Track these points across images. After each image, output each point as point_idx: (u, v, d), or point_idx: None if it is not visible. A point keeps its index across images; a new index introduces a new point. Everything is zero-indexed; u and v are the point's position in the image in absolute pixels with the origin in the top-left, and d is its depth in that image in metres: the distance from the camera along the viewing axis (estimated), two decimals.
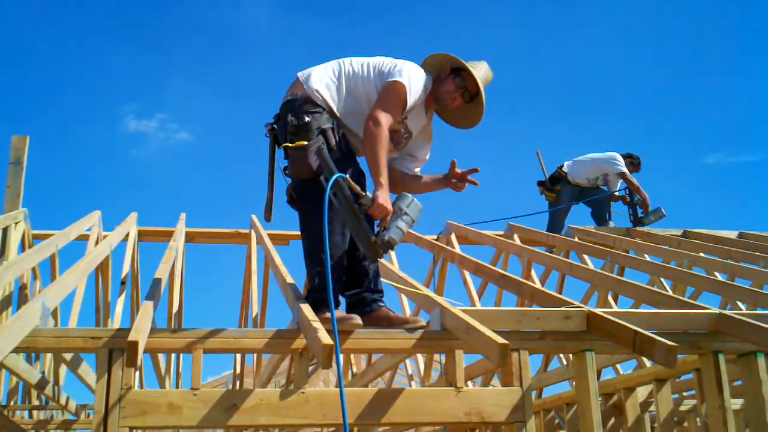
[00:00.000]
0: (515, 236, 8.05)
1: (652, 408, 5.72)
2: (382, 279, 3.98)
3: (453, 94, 3.93)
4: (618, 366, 6.42)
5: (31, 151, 6.35)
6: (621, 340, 3.43)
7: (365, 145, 3.68)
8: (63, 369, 6.73)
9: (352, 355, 7.75)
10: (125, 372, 3.17)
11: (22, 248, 6.37)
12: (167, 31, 29.73)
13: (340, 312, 3.60)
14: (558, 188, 9.26)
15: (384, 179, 3.56)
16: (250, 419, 3.19)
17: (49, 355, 6.93)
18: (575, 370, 3.71)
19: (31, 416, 8.85)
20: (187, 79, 31.05)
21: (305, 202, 3.72)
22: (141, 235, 7.38)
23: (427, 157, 4.17)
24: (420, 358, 7.41)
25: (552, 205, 9.30)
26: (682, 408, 6.66)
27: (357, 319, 3.50)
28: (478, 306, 6.31)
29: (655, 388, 5.33)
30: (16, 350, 3.19)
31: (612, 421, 5.98)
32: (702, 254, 6.93)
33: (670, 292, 5.75)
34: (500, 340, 3.03)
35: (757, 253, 6.65)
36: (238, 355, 7.97)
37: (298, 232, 3.83)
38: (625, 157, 9.25)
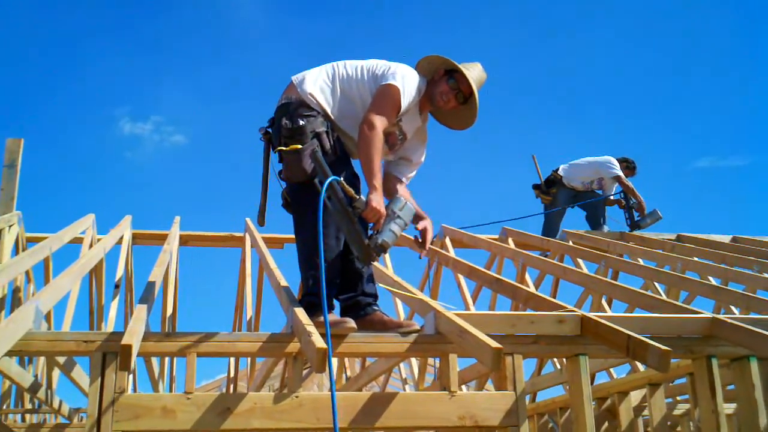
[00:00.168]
0: (510, 240, 8.06)
1: (646, 412, 5.73)
2: (377, 283, 3.98)
3: (447, 95, 3.94)
4: (612, 370, 6.43)
5: (25, 154, 6.34)
6: (615, 345, 3.43)
7: (359, 148, 3.68)
8: (56, 372, 6.71)
9: (346, 359, 7.75)
10: (119, 375, 3.17)
11: (15, 251, 6.35)
12: (162, 34, 29.72)
13: (335, 316, 3.60)
14: (553, 191, 9.28)
15: (378, 182, 3.57)
16: (243, 423, 3.19)
17: (42, 359, 6.90)
18: (569, 374, 3.72)
19: (23, 420, 8.80)
20: (182, 81, 31.04)
21: (300, 206, 3.72)
22: (135, 238, 7.37)
23: (422, 159, 4.18)
24: (414, 362, 7.40)
25: (547, 208, 9.31)
26: (676, 412, 6.67)
27: (351, 323, 3.50)
28: (473, 310, 6.32)
29: (649, 392, 5.35)
30: (9, 353, 3.18)
31: (605, 425, 5.99)
32: (695, 258, 6.95)
33: (664, 297, 5.76)
34: (494, 344, 3.03)
35: (751, 258, 6.67)
36: (232, 359, 7.96)
37: (293, 236, 3.83)
38: (621, 161, 9.28)
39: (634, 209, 9.04)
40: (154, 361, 6.81)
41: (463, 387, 5.28)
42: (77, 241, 6.41)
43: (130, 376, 3.42)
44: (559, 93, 27.97)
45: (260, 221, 3.85)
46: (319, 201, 3.29)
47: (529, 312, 3.92)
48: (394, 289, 4.33)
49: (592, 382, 5.44)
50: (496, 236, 8.33)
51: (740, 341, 3.69)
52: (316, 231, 3.27)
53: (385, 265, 6.91)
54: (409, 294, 4.14)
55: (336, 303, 3.80)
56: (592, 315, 3.71)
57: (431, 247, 7.14)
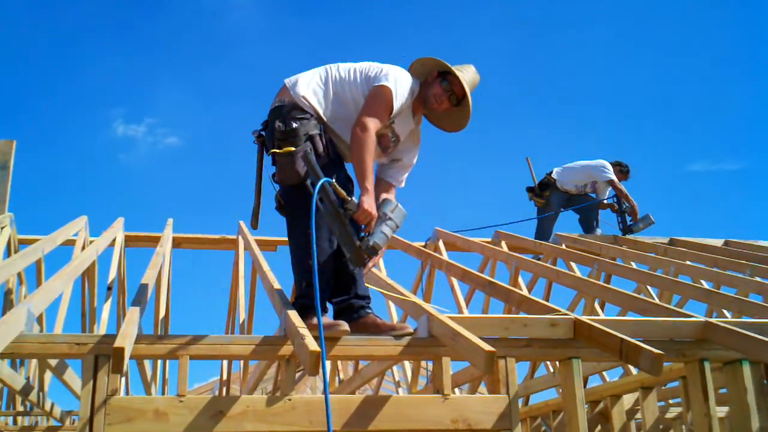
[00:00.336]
0: (503, 243, 8.07)
1: (638, 415, 5.75)
2: (369, 286, 3.98)
3: (440, 97, 3.95)
4: (604, 373, 6.44)
5: (17, 155, 6.32)
6: (607, 348, 3.44)
7: (352, 150, 3.69)
8: (48, 375, 6.68)
9: (339, 362, 7.74)
10: (111, 378, 3.16)
11: (7, 253, 6.33)
12: (156, 35, 29.63)
13: (328, 318, 3.60)
14: (547, 194, 9.30)
15: (370, 184, 3.58)
16: (236, 426, 3.18)
17: (34, 361, 6.88)
18: (562, 377, 3.73)
19: (15, 422, 8.77)
20: (177, 83, 30.95)
21: (293, 209, 3.72)
22: (128, 240, 7.35)
23: (414, 161, 4.18)
24: (407, 365, 7.41)
25: (541, 211, 9.33)
26: (668, 415, 6.69)
27: (344, 326, 3.50)
28: (466, 313, 6.33)
29: (641, 395, 5.36)
30: (1, 356, 3.17)
31: (598, 428, 6.01)
32: (688, 262, 6.97)
33: (657, 300, 5.78)
34: (487, 347, 3.04)
35: (743, 262, 6.69)
36: (225, 362, 7.94)
37: (286, 238, 3.83)
38: (614, 165, 9.30)
39: (626, 213, 9.06)
40: (147, 363, 6.79)
41: (456, 390, 5.29)
42: (70, 243, 6.39)
43: (123, 379, 3.42)
44: (553, 96, 28.00)
45: (253, 224, 3.84)
46: (312, 202, 3.30)
47: (522, 315, 3.93)
48: (388, 292, 4.33)
49: (584, 386, 5.45)
50: (490, 239, 8.34)
51: (732, 345, 3.70)
52: (309, 234, 3.28)
53: (379, 268, 6.91)
54: (402, 297, 4.14)
55: (329, 306, 3.80)
56: (585, 318, 3.72)
57: (425, 250, 7.18)
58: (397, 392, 7.91)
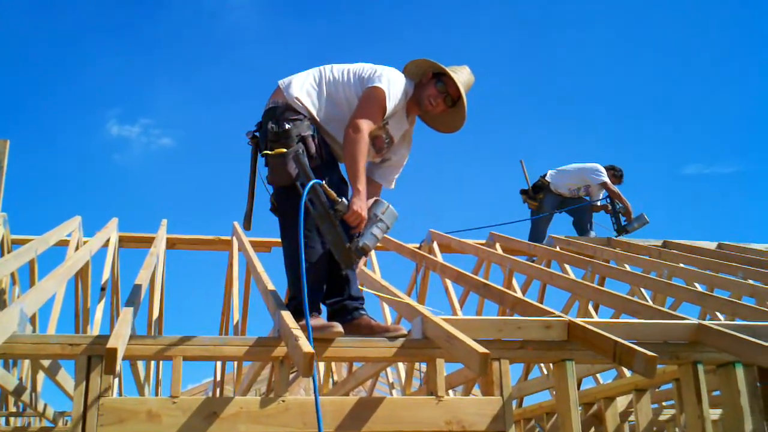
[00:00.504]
0: (497, 245, 8.07)
1: (632, 418, 5.75)
2: (364, 288, 3.98)
3: (435, 99, 3.95)
4: (598, 375, 6.45)
5: (11, 155, 6.31)
6: (601, 350, 3.44)
7: (344, 151, 3.70)
8: (41, 376, 6.66)
9: (333, 364, 7.73)
10: (104, 379, 3.15)
11: (1, 253, 6.31)
12: (151, 36, 29.59)
13: (321, 320, 3.60)
14: (540, 197, 9.31)
15: (362, 186, 3.58)
16: (229, 427, 3.17)
17: (26, 362, 6.85)
18: (556, 379, 3.73)
19: (8, 423, 8.73)
20: (171, 84, 30.91)
21: (285, 210, 3.72)
22: (121, 241, 7.33)
23: (404, 161, 4.19)
24: (401, 366, 7.40)
25: (534, 213, 9.35)
26: (662, 418, 6.70)
27: (338, 327, 3.50)
28: (460, 315, 6.32)
29: (635, 397, 5.37)
30: None
31: (592, 430, 6.01)
32: (681, 265, 6.98)
33: (650, 303, 5.78)
34: (481, 349, 3.04)
35: (736, 264, 6.71)
36: (219, 363, 7.92)
37: (280, 240, 3.83)
38: (608, 168, 9.33)
39: (620, 214, 9.08)
40: (140, 364, 6.77)
41: (450, 392, 5.29)
42: (63, 244, 6.37)
43: (116, 380, 3.40)
44: (548, 98, 28.05)
45: (246, 225, 3.84)
46: (301, 203, 3.31)
47: (516, 317, 3.93)
48: (382, 294, 4.33)
49: (578, 388, 5.45)
50: (484, 241, 8.34)
51: (726, 347, 3.71)
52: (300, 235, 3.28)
53: (373, 270, 6.91)
54: (396, 298, 4.14)
55: (323, 307, 3.79)
56: (579, 320, 3.72)
57: (419, 251, 7.18)
58: (391, 394, 7.91)
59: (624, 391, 5.60)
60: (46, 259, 5.94)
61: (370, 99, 3.78)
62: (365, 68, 3.92)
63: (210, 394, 10.26)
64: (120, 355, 2.92)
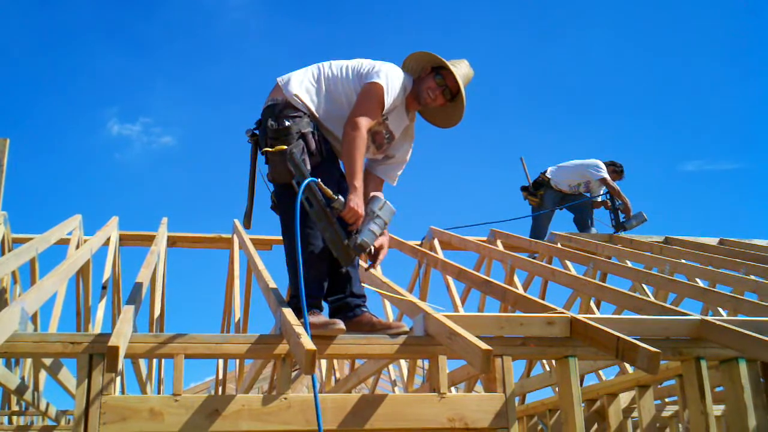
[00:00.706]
0: (498, 242, 8.06)
1: (635, 414, 5.74)
2: (365, 285, 3.97)
3: (434, 92, 3.94)
4: (600, 372, 6.44)
5: (12, 154, 6.30)
6: (604, 346, 3.43)
7: (342, 148, 3.70)
8: (43, 374, 6.66)
9: (335, 361, 7.73)
10: (105, 377, 3.14)
11: (1, 252, 6.31)
12: (151, 35, 29.59)
13: (323, 317, 3.59)
14: (541, 193, 9.30)
15: (359, 183, 3.57)
16: (231, 425, 3.17)
17: (28, 361, 6.86)
18: (558, 375, 3.72)
19: (10, 422, 8.74)
20: (171, 82, 30.93)
21: (285, 207, 3.71)
22: (122, 239, 7.33)
23: (408, 157, 4.18)
24: (403, 363, 7.40)
25: (535, 210, 9.34)
26: (665, 414, 6.69)
27: (340, 324, 3.49)
28: (461, 312, 6.32)
29: (638, 394, 5.36)
30: None
31: (595, 427, 6.01)
32: (683, 261, 6.97)
33: (652, 299, 5.78)
34: (483, 345, 3.03)
35: (738, 260, 6.70)
36: (221, 361, 7.92)
37: (281, 237, 3.82)
38: (608, 165, 9.31)
39: (620, 210, 9.07)
40: (142, 362, 6.77)
41: (453, 389, 5.28)
42: (64, 242, 6.37)
43: (118, 378, 3.40)
44: (547, 95, 28.06)
45: (246, 224, 3.84)
46: (296, 202, 3.31)
47: (518, 314, 3.92)
48: (383, 291, 4.32)
49: (581, 384, 5.45)
50: (485, 238, 8.34)
51: (729, 343, 3.69)
52: (301, 232, 3.28)
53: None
54: (398, 296, 4.13)
55: (325, 304, 3.79)
56: (581, 317, 3.71)
57: (420, 249, 7.17)
58: (393, 391, 7.91)
59: (627, 387, 5.60)
60: (47, 257, 5.95)
61: (368, 95, 3.77)
62: (363, 64, 3.91)
63: (212, 392, 10.27)
64: (121, 353, 2.91)
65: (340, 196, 3.47)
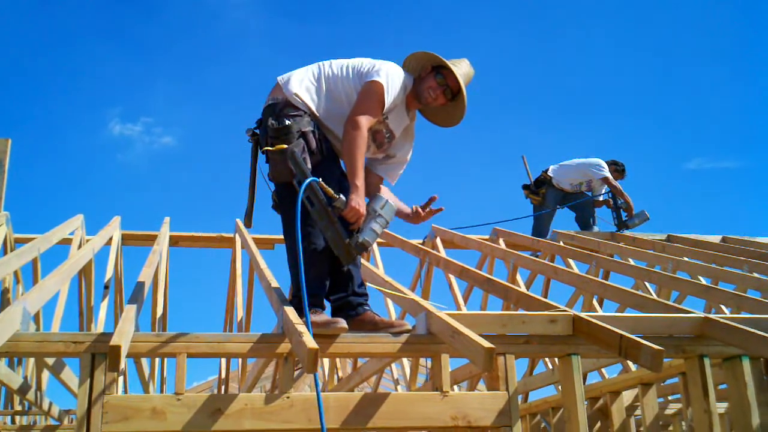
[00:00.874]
0: (500, 240, 8.06)
1: (638, 412, 5.74)
2: (367, 283, 3.97)
3: (435, 91, 3.93)
4: (603, 370, 6.43)
5: (13, 154, 6.31)
6: (607, 344, 3.42)
7: (343, 147, 3.70)
8: (45, 374, 6.66)
9: (337, 360, 7.73)
10: (108, 377, 3.14)
11: (3, 252, 6.31)
12: (152, 35, 29.63)
13: (325, 316, 3.59)
14: (543, 191, 9.29)
15: (360, 182, 3.57)
16: (234, 424, 3.16)
17: (31, 360, 6.86)
18: (561, 374, 3.71)
19: (13, 422, 8.75)
20: (172, 83, 30.98)
21: (286, 206, 3.71)
22: (124, 238, 7.34)
23: (408, 157, 4.17)
24: (406, 362, 7.39)
25: (537, 209, 9.33)
26: (668, 412, 6.68)
27: (342, 323, 3.48)
28: (464, 310, 6.31)
29: (641, 391, 5.35)
30: None
31: (598, 424, 5.99)
32: (686, 258, 6.96)
33: (655, 296, 5.77)
34: (486, 344, 3.02)
35: (741, 258, 6.69)
36: (223, 360, 7.92)
37: (283, 236, 3.82)
38: (610, 164, 9.30)
39: (622, 209, 9.06)
40: (145, 362, 6.77)
41: (455, 387, 5.28)
42: (66, 242, 6.37)
43: (120, 378, 3.39)
44: (550, 94, 28.06)
45: (247, 223, 3.83)
46: (297, 202, 3.31)
47: (520, 312, 3.91)
48: (386, 290, 4.32)
49: (584, 382, 5.44)
50: (487, 236, 8.33)
51: (732, 341, 3.68)
52: (302, 231, 3.28)
53: (376, 265, 6.89)
54: (400, 294, 4.13)
55: (327, 303, 3.78)
56: (583, 315, 3.70)
57: (422, 247, 7.16)
58: (396, 390, 7.90)
59: (630, 385, 5.59)
60: (49, 257, 5.96)
61: (369, 94, 3.76)
62: (364, 63, 3.90)
63: (215, 392, 10.27)
64: (124, 352, 2.90)
65: (342, 196, 3.47)
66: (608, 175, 9.11)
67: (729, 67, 27.83)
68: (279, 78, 3.88)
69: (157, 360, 7.45)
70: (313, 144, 3.68)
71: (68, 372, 5.50)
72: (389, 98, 3.78)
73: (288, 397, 3.26)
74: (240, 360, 7.11)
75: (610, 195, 9.18)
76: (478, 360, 3.05)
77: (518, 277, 7.11)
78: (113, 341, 2.87)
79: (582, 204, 9.29)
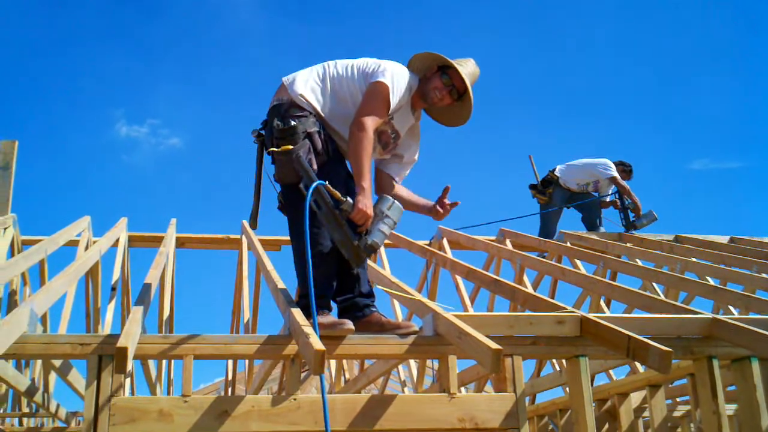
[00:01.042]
0: (507, 241, 8.04)
1: (646, 414, 5.71)
2: (374, 285, 3.96)
3: (441, 91, 3.92)
4: (611, 371, 6.40)
5: (20, 156, 6.32)
6: (614, 346, 3.41)
7: (349, 149, 3.68)
8: (53, 376, 6.68)
9: (344, 361, 7.72)
10: (115, 379, 3.14)
11: (11, 254, 6.32)
12: (158, 37, 29.70)
13: (332, 317, 3.58)
14: (549, 191, 9.27)
15: (366, 183, 3.55)
16: (241, 426, 3.16)
17: (38, 362, 6.87)
18: (569, 375, 3.69)
19: (21, 424, 8.77)
20: (178, 84, 31.04)
21: (293, 208, 3.70)
22: (131, 240, 7.34)
23: (416, 157, 4.16)
24: (413, 363, 7.38)
25: (543, 208, 9.31)
26: (676, 413, 6.66)
27: (349, 324, 3.48)
28: (471, 311, 6.30)
29: (649, 393, 5.33)
30: (5, 356, 3.15)
31: (606, 426, 5.98)
32: (694, 259, 6.93)
33: (663, 297, 5.75)
34: (493, 345, 3.01)
35: (749, 258, 6.66)
36: (230, 362, 7.93)
37: (289, 238, 3.81)
38: (617, 164, 9.27)
39: (629, 210, 9.03)
40: (152, 364, 6.77)
41: (462, 389, 5.27)
42: (73, 244, 6.38)
43: (127, 380, 3.39)
44: (556, 94, 28.02)
45: (252, 224, 3.82)
46: (305, 206, 3.30)
47: (528, 313, 3.90)
48: (392, 291, 4.31)
49: (591, 384, 5.42)
50: (494, 237, 8.32)
51: (741, 342, 3.66)
52: (310, 233, 3.27)
53: (383, 266, 6.89)
54: (407, 295, 4.12)
55: (333, 304, 3.77)
56: (591, 316, 3.68)
57: (429, 248, 7.15)
58: (403, 391, 7.89)
59: (638, 386, 5.56)
60: (56, 259, 5.96)
61: (374, 94, 3.75)
62: (369, 63, 3.89)
63: (222, 393, 10.27)
64: (131, 354, 2.90)
65: (349, 198, 3.45)
66: (616, 174, 9.08)
67: (733, 67, 27.77)
68: (284, 79, 3.87)
69: (163, 362, 7.45)
70: (319, 145, 3.67)
71: (75, 374, 5.50)
72: (394, 99, 3.77)
73: (295, 399, 3.25)
74: (247, 362, 7.12)
75: (617, 195, 9.15)
76: (485, 361, 3.04)
77: (525, 278, 7.09)
78: (120, 343, 2.86)
79: (588, 204, 9.26)
